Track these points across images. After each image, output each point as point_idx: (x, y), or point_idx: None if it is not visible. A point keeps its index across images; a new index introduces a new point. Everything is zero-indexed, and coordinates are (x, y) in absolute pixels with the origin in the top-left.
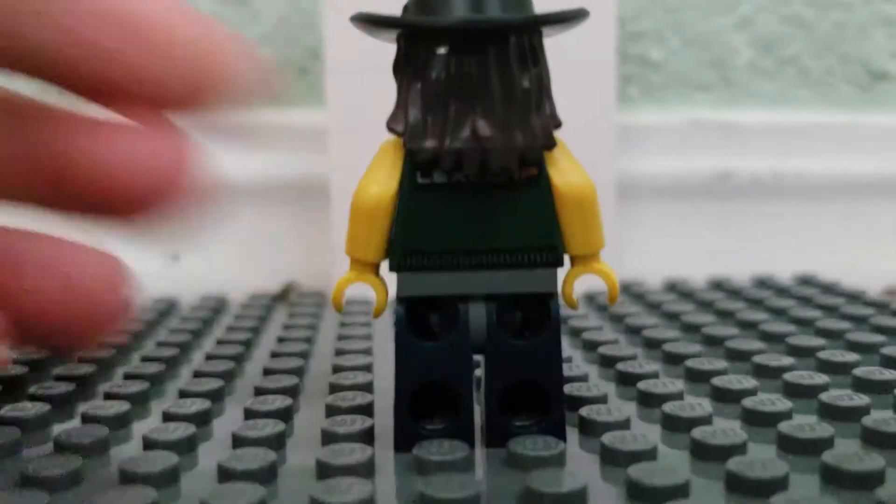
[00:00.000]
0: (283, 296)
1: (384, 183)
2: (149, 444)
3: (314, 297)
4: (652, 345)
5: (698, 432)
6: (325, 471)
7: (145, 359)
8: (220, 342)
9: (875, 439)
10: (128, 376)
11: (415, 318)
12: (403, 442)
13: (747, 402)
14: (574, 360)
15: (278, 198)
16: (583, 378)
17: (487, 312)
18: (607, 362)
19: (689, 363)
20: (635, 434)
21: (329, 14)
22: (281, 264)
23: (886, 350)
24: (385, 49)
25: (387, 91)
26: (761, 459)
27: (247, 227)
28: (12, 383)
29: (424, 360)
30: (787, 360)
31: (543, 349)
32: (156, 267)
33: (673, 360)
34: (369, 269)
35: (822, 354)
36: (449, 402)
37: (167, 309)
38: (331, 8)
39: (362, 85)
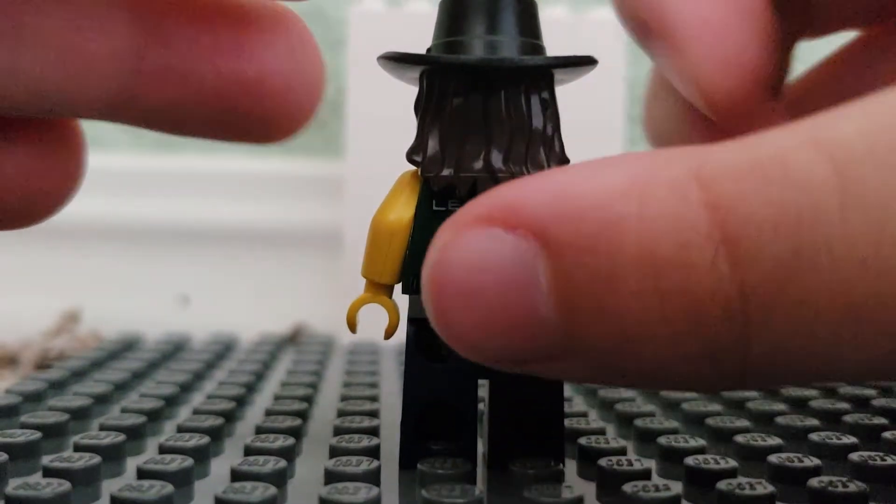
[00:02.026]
0: (293, 338)
1: (401, 209)
2: (165, 450)
3: (323, 338)
4: (651, 391)
5: (692, 460)
6: (332, 478)
7: (159, 382)
8: (232, 372)
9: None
10: (143, 395)
11: (425, 339)
12: (408, 459)
13: (739, 439)
14: (574, 401)
15: (291, 244)
16: (582, 414)
17: None
18: (607, 405)
19: (685, 406)
20: (631, 459)
21: (353, 65)
22: (292, 309)
23: (878, 402)
24: (404, 101)
25: (403, 142)
26: (749, 481)
27: (260, 272)
28: (36, 397)
29: (432, 380)
30: (781, 406)
31: None
32: (167, 310)
33: (670, 404)
34: (383, 290)
35: (814, 404)
36: (454, 423)
37: (180, 343)
38: (355, 59)
39: (380, 136)
